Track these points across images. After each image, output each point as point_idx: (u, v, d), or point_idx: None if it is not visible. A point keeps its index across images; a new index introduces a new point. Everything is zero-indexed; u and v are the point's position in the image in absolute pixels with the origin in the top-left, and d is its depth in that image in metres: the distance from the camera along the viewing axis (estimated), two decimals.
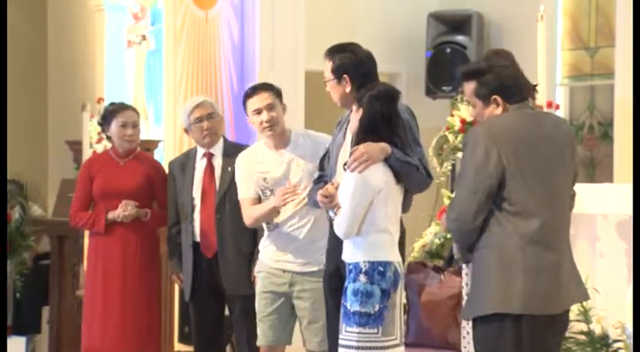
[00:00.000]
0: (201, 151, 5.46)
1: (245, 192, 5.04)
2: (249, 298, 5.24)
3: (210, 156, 5.42)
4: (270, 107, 4.97)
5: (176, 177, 5.50)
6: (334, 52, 4.66)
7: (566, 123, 4.00)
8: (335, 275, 4.52)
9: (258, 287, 5.02)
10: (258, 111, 4.96)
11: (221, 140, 5.45)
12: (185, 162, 5.50)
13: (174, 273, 5.57)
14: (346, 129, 4.56)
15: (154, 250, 5.68)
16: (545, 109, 5.67)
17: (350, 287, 4.22)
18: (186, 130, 5.49)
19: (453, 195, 3.86)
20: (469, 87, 3.80)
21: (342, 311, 4.25)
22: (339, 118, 4.74)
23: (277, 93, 5.03)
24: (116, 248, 5.55)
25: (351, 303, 4.20)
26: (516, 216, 3.67)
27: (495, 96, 3.76)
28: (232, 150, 5.36)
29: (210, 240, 5.35)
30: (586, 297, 3.94)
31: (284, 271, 4.95)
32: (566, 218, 3.82)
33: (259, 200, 5.01)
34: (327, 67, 4.66)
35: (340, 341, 4.24)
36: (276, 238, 4.97)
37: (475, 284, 3.75)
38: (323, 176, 4.69)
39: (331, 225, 4.55)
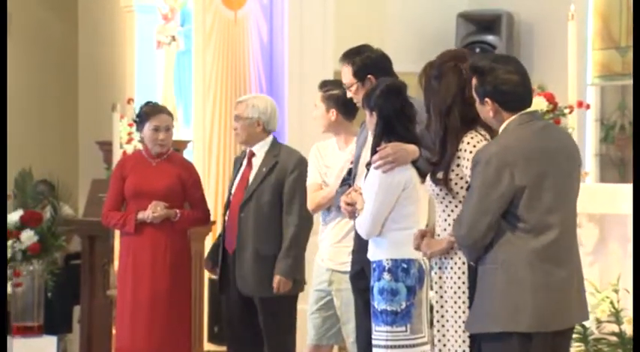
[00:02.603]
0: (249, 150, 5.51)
1: (313, 178, 5.08)
2: (272, 300, 5.23)
3: (251, 155, 5.44)
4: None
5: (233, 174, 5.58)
6: (352, 55, 4.65)
7: (571, 135, 3.95)
8: (360, 276, 4.53)
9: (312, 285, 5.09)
10: None
11: (269, 139, 5.40)
12: (239, 159, 5.55)
13: (209, 260, 5.54)
14: (367, 132, 4.55)
15: (184, 250, 5.69)
16: (576, 109, 5.64)
17: (375, 286, 4.22)
18: None
19: (460, 211, 3.79)
20: (473, 81, 3.75)
21: (371, 311, 4.25)
22: (364, 119, 4.74)
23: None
24: (146, 248, 5.56)
25: (378, 302, 4.20)
26: (528, 232, 3.63)
27: (487, 99, 3.70)
28: (274, 151, 5.37)
29: (231, 238, 5.37)
30: (586, 317, 3.88)
31: (326, 269, 4.98)
32: (575, 232, 3.79)
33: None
34: (346, 71, 4.64)
35: (372, 341, 4.25)
36: (326, 233, 5.01)
37: (480, 299, 3.70)
38: (347, 179, 4.69)
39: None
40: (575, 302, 3.72)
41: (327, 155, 5.07)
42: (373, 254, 4.27)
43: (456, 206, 3.86)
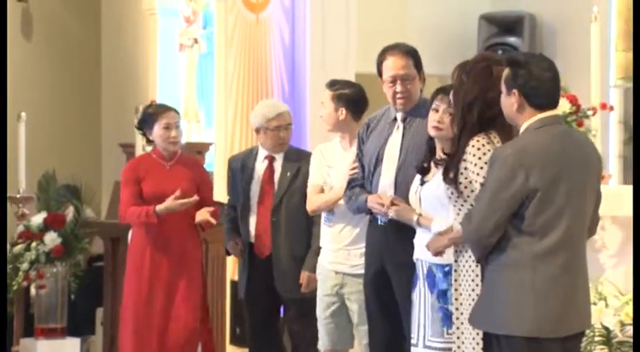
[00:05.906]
0: (263, 153, 5.47)
1: (314, 180, 5.08)
2: (302, 301, 5.26)
3: (271, 159, 5.44)
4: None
5: (236, 175, 5.52)
6: (402, 47, 4.62)
7: (593, 143, 3.94)
8: (379, 278, 4.53)
9: (318, 291, 5.05)
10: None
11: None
12: (245, 160, 5.51)
13: (232, 239, 5.47)
14: (387, 129, 4.55)
15: (197, 256, 5.59)
16: (600, 111, 5.62)
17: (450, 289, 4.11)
18: (258, 131, 5.44)
19: (472, 206, 3.83)
20: (505, 72, 3.76)
21: (440, 314, 4.16)
22: (367, 120, 4.72)
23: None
24: (161, 246, 5.47)
25: (450, 305, 4.07)
26: (533, 236, 3.63)
27: (515, 90, 3.71)
28: (294, 156, 5.40)
29: (265, 242, 5.38)
30: (588, 326, 3.86)
31: (336, 273, 4.97)
32: (584, 240, 3.78)
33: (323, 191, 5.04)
34: (406, 63, 4.57)
35: (439, 344, 4.16)
36: (332, 236, 4.99)
37: (485, 297, 3.72)
38: (354, 180, 4.67)
39: (369, 229, 4.55)
40: (582, 308, 3.72)
41: (330, 155, 5.07)
42: (447, 257, 4.11)
43: (469, 208, 3.88)
